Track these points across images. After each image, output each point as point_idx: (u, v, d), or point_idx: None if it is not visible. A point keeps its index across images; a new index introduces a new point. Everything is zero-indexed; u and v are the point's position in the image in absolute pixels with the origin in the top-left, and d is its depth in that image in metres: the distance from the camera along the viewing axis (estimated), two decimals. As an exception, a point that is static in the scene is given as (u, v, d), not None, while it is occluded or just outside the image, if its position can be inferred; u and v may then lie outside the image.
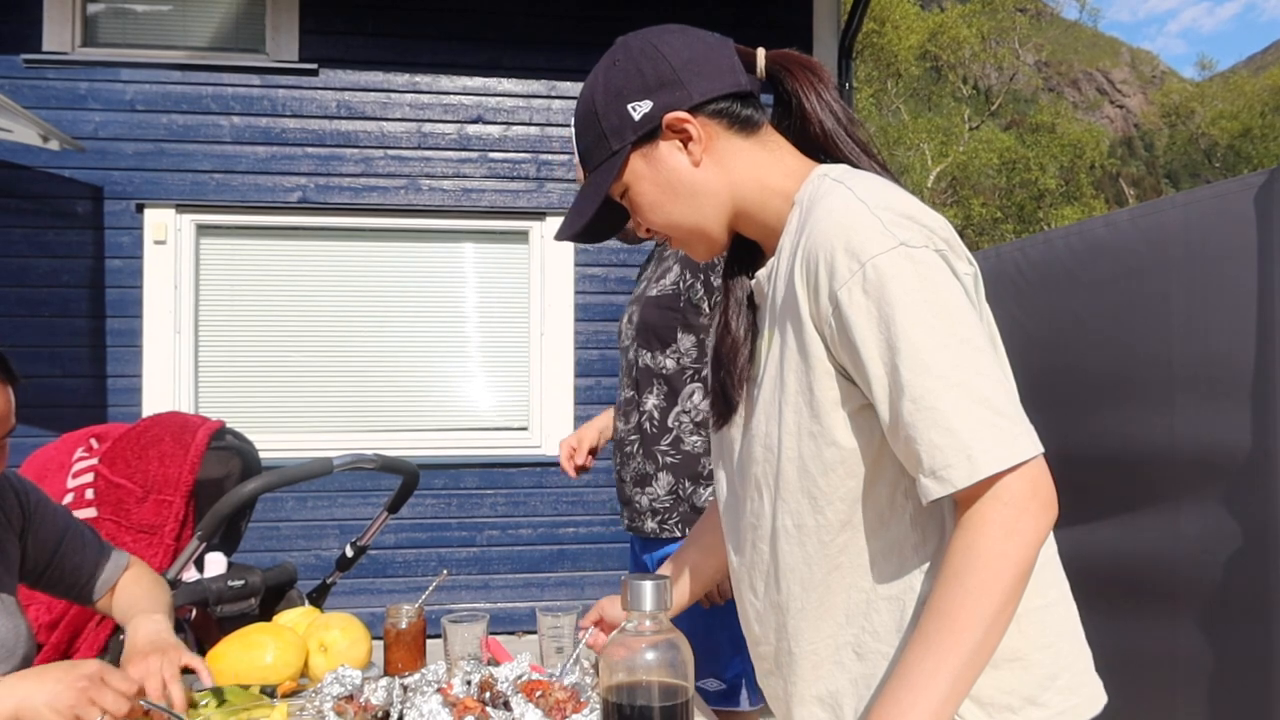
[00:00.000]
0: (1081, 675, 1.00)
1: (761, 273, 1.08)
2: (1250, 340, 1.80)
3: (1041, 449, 0.87)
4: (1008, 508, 0.85)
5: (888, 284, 0.88)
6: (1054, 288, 2.35)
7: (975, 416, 0.85)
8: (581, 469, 2.23)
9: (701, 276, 2.01)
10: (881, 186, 0.96)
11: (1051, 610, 0.99)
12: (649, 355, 2.06)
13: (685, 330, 2.01)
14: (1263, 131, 36.36)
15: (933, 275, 0.89)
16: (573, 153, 5.02)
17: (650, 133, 1.04)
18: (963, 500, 0.87)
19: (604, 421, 2.29)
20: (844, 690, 1.02)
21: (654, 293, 2.06)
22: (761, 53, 1.09)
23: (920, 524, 0.97)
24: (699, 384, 2.03)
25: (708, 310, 2.00)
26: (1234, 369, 1.83)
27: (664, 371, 2.04)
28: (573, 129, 1.12)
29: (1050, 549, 1.03)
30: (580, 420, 4.95)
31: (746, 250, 1.13)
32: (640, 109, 1.03)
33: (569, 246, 5.00)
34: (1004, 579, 0.84)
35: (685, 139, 1.04)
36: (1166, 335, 1.99)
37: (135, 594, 1.58)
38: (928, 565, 0.97)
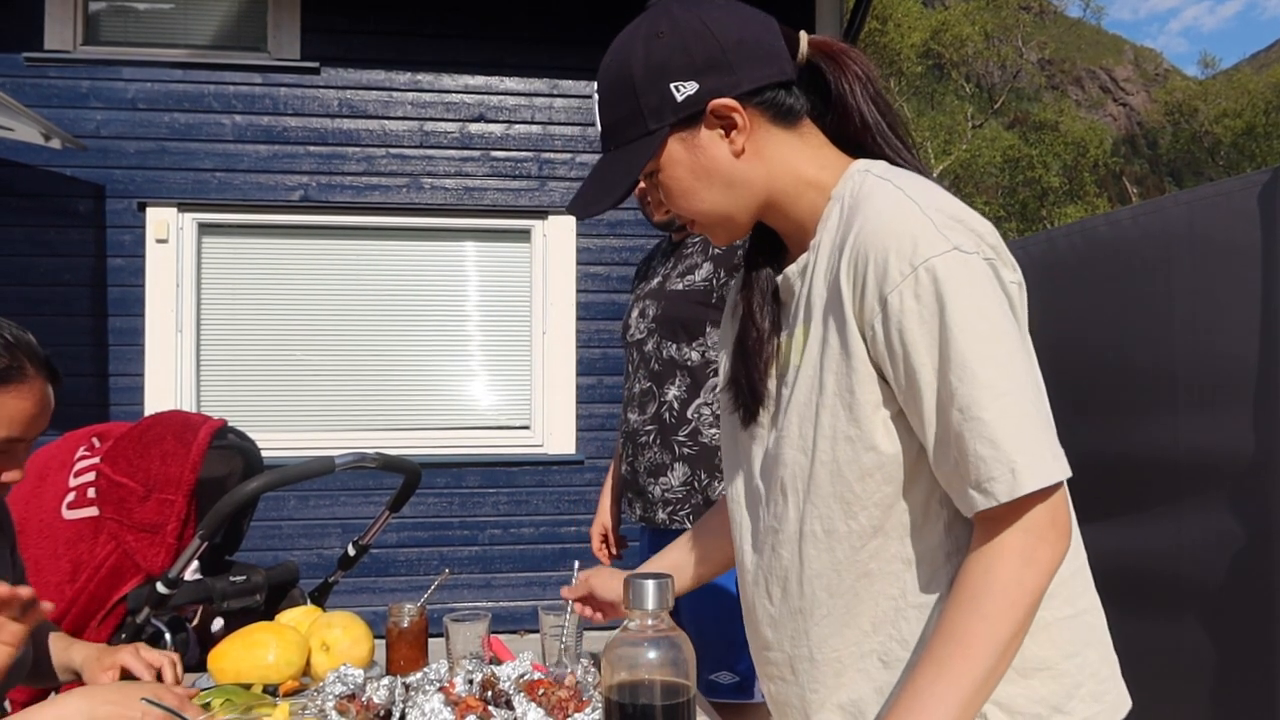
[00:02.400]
0: (1106, 682, 0.99)
1: (792, 269, 1.04)
2: (1254, 338, 1.79)
3: (1068, 472, 0.86)
4: (1028, 535, 0.84)
5: (942, 288, 0.86)
6: (1057, 286, 2.35)
7: (1021, 430, 0.84)
8: (615, 557, 2.36)
9: (736, 275, 2.04)
10: (929, 187, 0.94)
11: (1081, 619, 0.98)
12: (674, 347, 2.09)
13: (714, 325, 2.06)
14: (1266, 129, 36.29)
15: (983, 283, 0.88)
16: (574, 150, 5.00)
17: (692, 116, 0.98)
18: (987, 519, 0.87)
19: (617, 487, 2.37)
20: (868, 699, 1.00)
21: (680, 286, 2.10)
22: (805, 38, 1.03)
23: (954, 532, 0.96)
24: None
25: None
26: (1237, 367, 1.82)
27: (689, 363, 2.08)
28: (598, 93, 1.04)
29: (1080, 557, 1.01)
30: (582, 419, 4.95)
31: (769, 241, 1.10)
32: (685, 90, 0.97)
33: (571, 246, 5.00)
34: (1020, 607, 0.84)
35: (730, 127, 0.99)
36: (1170, 334, 1.99)
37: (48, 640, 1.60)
38: (945, 579, 0.96)
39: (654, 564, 1.39)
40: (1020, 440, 0.84)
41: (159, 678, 1.45)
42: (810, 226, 1.03)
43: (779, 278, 1.06)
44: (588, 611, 1.44)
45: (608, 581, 1.41)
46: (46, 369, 1.34)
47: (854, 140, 1.04)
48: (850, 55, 1.02)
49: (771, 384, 1.06)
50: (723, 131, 0.99)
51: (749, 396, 1.07)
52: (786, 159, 1.02)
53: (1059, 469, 0.85)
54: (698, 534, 1.38)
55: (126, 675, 1.46)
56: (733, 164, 1.01)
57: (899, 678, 0.97)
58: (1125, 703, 1.01)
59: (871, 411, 0.94)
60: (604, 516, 2.38)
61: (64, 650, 1.56)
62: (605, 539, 2.36)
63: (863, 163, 1.01)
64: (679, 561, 1.37)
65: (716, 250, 2.10)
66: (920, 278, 0.87)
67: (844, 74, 1.01)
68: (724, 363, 1.18)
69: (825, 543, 1.00)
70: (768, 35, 1.00)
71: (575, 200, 1.05)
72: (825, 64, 1.03)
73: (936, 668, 0.85)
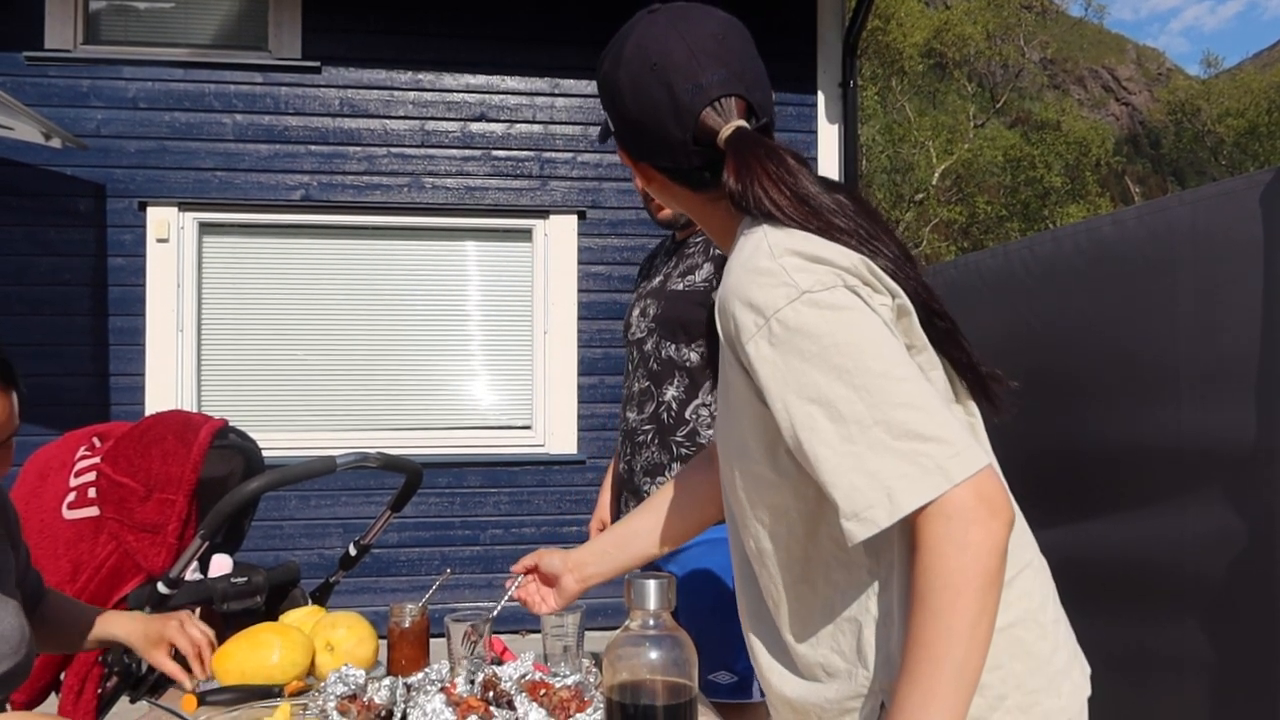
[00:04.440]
0: (1035, 694, 0.97)
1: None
2: (1256, 337, 1.79)
3: (984, 460, 0.84)
4: (953, 521, 0.82)
5: (793, 336, 0.88)
6: (1061, 285, 2.35)
7: (897, 452, 0.83)
8: None
9: None
10: (793, 232, 0.94)
11: (1008, 633, 0.97)
12: (673, 347, 2.09)
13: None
14: (1269, 129, 36.23)
15: (840, 315, 0.88)
16: (575, 150, 4.99)
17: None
18: (912, 524, 0.86)
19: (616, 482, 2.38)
20: (815, 704, 1.02)
21: (680, 287, 2.09)
22: (725, 131, 1.00)
23: (873, 548, 0.96)
24: None
25: None
26: (1240, 366, 1.82)
27: (688, 364, 2.07)
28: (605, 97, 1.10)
29: (1019, 565, 1.00)
30: (584, 419, 4.95)
31: None
32: (611, 127, 1.08)
33: (572, 245, 4.99)
34: (966, 593, 0.82)
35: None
36: (1173, 333, 1.99)
37: (71, 605, 1.62)
38: (877, 586, 0.96)
39: (634, 518, 1.39)
40: (897, 460, 0.83)
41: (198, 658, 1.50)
42: (729, 251, 1.08)
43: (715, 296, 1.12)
44: (531, 591, 1.42)
45: (549, 557, 1.41)
46: (4, 377, 1.29)
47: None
48: (758, 168, 0.97)
49: None
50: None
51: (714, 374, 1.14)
52: (693, 209, 1.10)
53: (958, 466, 0.83)
54: (657, 506, 1.38)
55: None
56: (648, 186, 1.11)
57: (842, 690, 0.99)
58: (1063, 711, 0.99)
59: (770, 446, 0.97)
60: (603, 511, 2.37)
61: (102, 622, 1.58)
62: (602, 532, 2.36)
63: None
64: (652, 524, 1.38)
65: (718, 251, 2.09)
66: (773, 328, 0.89)
67: (750, 182, 0.97)
68: None
69: (760, 560, 1.05)
70: (675, 125, 1.01)
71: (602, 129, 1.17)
72: (729, 162, 0.99)
73: (909, 678, 0.84)
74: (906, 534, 0.87)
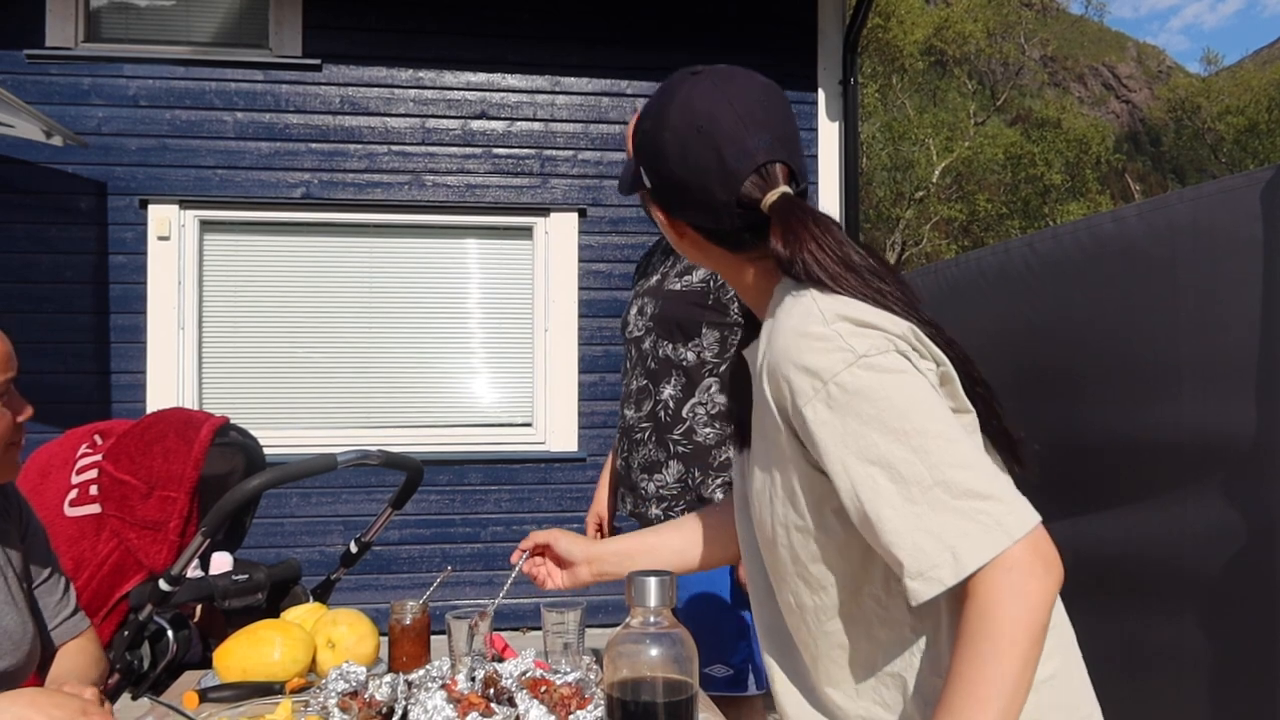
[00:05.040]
0: None
1: (748, 351, 1.12)
2: (1256, 334, 1.79)
3: (1037, 517, 0.87)
4: (1012, 573, 0.85)
5: (851, 400, 0.90)
6: (1062, 282, 2.34)
7: (958, 511, 0.86)
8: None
9: None
10: (840, 298, 0.96)
11: (1043, 687, 0.98)
12: (669, 346, 2.11)
13: (710, 326, 2.07)
14: (1269, 126, 36.15)
15: (895, 379, 0.91)
16: (576, 148, 5.00)
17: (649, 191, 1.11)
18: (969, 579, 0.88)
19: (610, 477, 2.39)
20: None
21: (677, 286, 2.11)
22: (771, 197, 1.01)
23: (917, 607, 0.97)
24: (717, 378, 2.09)
25: (735, 310, 2.06)
26: (1240, 363, 1.82)
27: (684, 363, 2.09)
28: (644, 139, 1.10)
29: (1055, 618, 1.02)
30: (584, 416, 4.95)
31: (757, 322, 1.16)
32: (647, 179, 1.09)
33: (573, 243, 4.99)
34: (1019, 642, 0.84)
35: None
36: (1173, 329, 1.99)
37: (75, 665, 1.57)
38: (923, 642, 0.99)
39: (665, 533, 1.41)
40: (959, 519, 0.86)
41: None
42: (760, 312, 1.11)
43: (744, 353, 1.14)
44: (541, 569, 1.43)
45: (570, 542, 1.41)
46: None
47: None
48: (805, 235, 0.99)
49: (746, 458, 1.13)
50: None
51: (737, 426, 1.16)
52: (721, 266, 1.12)
53: (1015, 523, 0.85)
54: (686, 528, 1.40)
55: None
56: (679, 243, 1.13)
57: None
58: None
59: (813, 506, 0.99)
60: (600, 506, 2.40)
61: (66, 674, 1.51)
62: (600, 528, 2.37)
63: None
64: (661, 543, 1.40)
65: None
66: (831, 391, 0.91)
67: (799, 248, 0.99)
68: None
69: (799, 615, 1.07)
70: (720, 188, 1.02)
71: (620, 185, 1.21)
72: (775, 227, 1.01)
73: (949, 716, 0.85)
74: (952, 588, 0.89)
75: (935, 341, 0.97)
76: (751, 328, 1.17)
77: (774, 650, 1.15)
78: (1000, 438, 1.03)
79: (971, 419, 1.00)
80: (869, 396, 0.89)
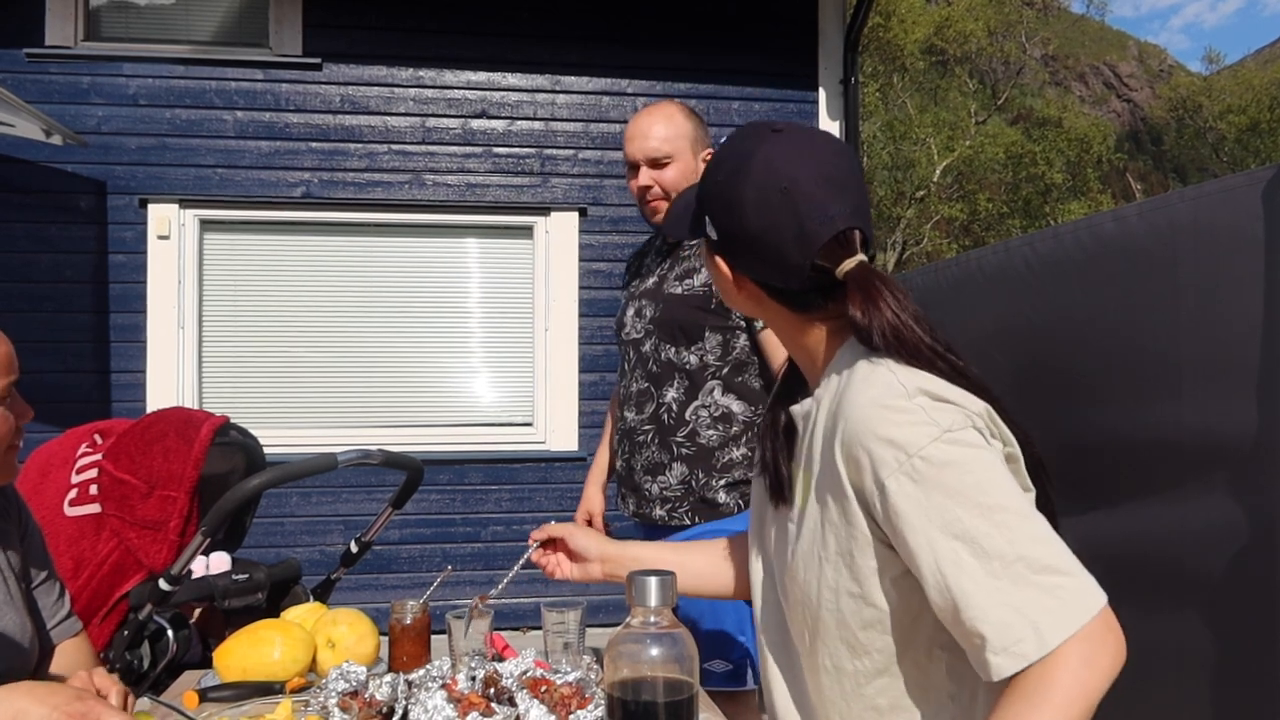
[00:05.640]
0: None
1: (798, 409, 1.12)
2: (1257, 333, 1.79)
3: (1104, 594, 0.89)
4: (1086, 642, 0.86)
5: (937, 473, 0.91)
6: (1063, 282, 2.34)
7: (1039, 586, 0.87)
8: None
9: None
10: (917, 372, 0.99)
11: None
12: (672, 350, 2.11)
13: (713, 330, 2.08)
14: (1270, 125, 36.11)
15: (975, 454, 0.92)
16: (576, 147, 4.98)
17: (711, 241, 1.12)
18: None
19: (601, 477, 2.42)
20: None
21: (679, 290, 2.11)
22: (847, 265, 1.03)
23: (956, 674, 1.00)
24: (719, 381, 2.10)
25: (737, 314, 2.06)
26: (1241, 362, 1.82)
27: (687, 367, 2.10)
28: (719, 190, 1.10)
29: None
30: (585, 416, 4.95)
31: (798, 377, 1.17)
32: (710, 229, 1.09)
33: (573, 242, 4.99)
34: (1079, 704, 0.85)
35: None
36: (1174, 328, 1.98)
37: (71, 666, 1.56)
38: (959, 708, 1.01)
39: (691, 553, 1.42)
40: (1041, 595, 0.87)
41: None
42: (811, 370, 1.12)
43: (791, 409, 1.14)
44: (550, 561, 1.44)
45: (585, 538, 1.42)
46: None
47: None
48: (885, 305, 1.00)
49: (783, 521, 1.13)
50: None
51: (775, 479, 1.15)
52: (778, 323, 1.13)
53: (1090, 601, 0.87)
54: (709, 555, 1.41)
55: None
56: (734, 294, 1.13)
57: None
58: None
59: (871, 574, 0.99)
60: (590, 504, 2.41)
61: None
62: (590, 525, 2.38)
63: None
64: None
65: None
66: (916, 465, 0.92)
67: (876, 318, 1.00)
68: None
69: (835, 676, 1.06)
70: (796, 250, 1.02)
71: (666, 224, 1.24)
72: (854, 295, 1.02)
73: None
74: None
75: (1006, 422, 0.99)
76: (793, 382, 1.18)
77: (798, 707, 1.16)
78: (1050, 519, 1.04)
79: (1033, 496, 1.02)
80: (952, 471, 0.91)
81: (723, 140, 1.14)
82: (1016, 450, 0.99)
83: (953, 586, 0.89)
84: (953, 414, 0.94)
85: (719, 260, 1.11)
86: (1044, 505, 1.01)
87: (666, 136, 2.11)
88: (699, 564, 1.39)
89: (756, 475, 1.22)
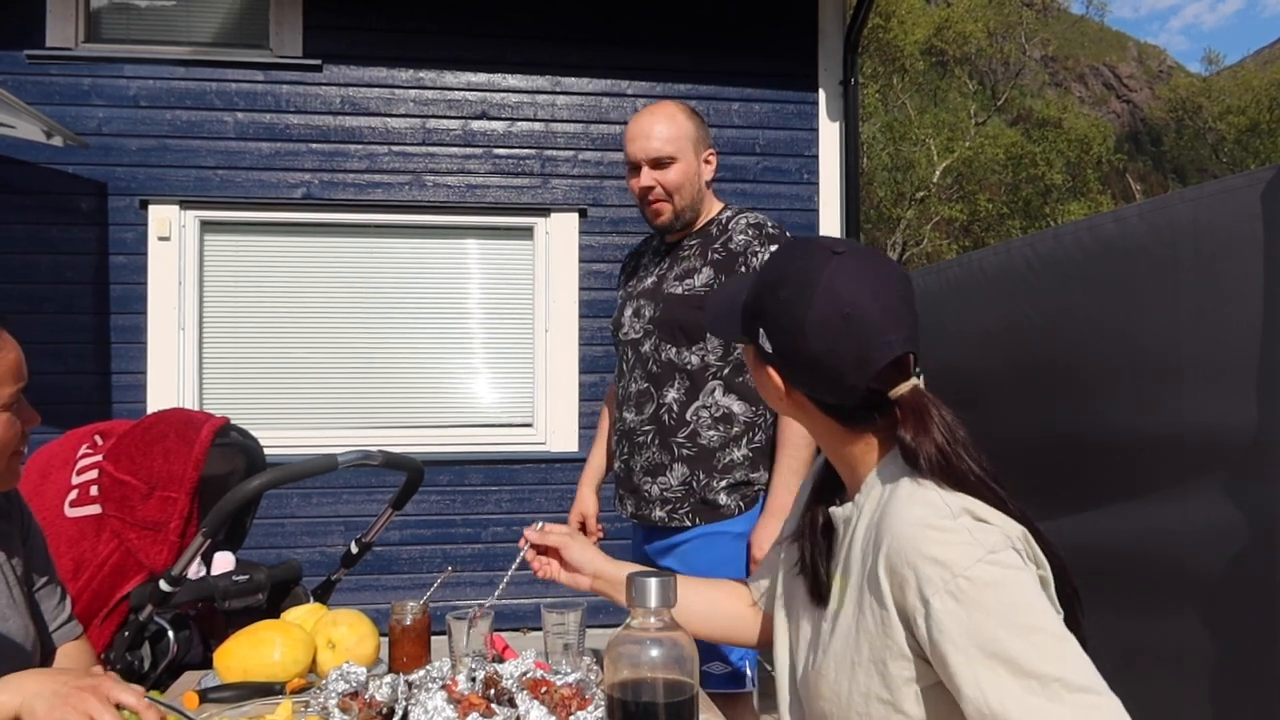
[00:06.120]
0: None
1: (839, 512, 1.16)
2: (1257, 333, 1.79)
3: (1123, 708, 0.93)
4: None
5: (980, 593, 0.94)
6: (1064, 282, 2.34)
7: (1074, 705, 0.90)
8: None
9: None
10: (959, 494, 1.02)
11: None
12: (673, 350, 2.10)
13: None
14: (1270, 126, 36.12)
15: (1015, 575, 0.96)
16: (576, 148, 4.98)
17: (762, 352, 1.15)
18: None
19: (595, 478, 2.41)
20: None
21: (680, 290, 2.10)
22: (904, 388, 1.08)
23: None
24: (720, 381, 2.08)
25: None
26: (1241, 362, 1.82)
27: (688, 367, 2.09)
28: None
29: None
30: (585, 417, 4.95)
31: (834, 477, 1.21)
32: (763, 342, 1.12)
33: (573, 243, 4.99)
34: None
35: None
36: (1174, 329, 1.99)
37: (71, 667, 1.57)
38: None
39: (694, 590, 1.44)
40: (1079, 713, 0.90)
41: None
42: (850, 476, 1.15)
43: (830, 511, 1.17)
44: (538, 561, 1.45)
45: (582, 551, 1.44)
46: None
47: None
48: (935, 430, 1.05)
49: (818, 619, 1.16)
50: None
51: (814, 581, 1.19)
52: (822, 433, 1.16)
53: (1120, 715, 0.91)
54: (712, 595, 1.45)
55: None
56: (781, 401, 1.16)
57: None
58: None
59: (904, 683, 1.02)
60: (583, 505, 2.40)
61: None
62: (583, 525, 2.38)
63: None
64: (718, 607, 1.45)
65: (716, 255, 2.11)
66: (960, 585, 0.95)
67: (920, 434, 1.06)
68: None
69: None
70: (855, 374, 1.06)
71: (706, 318, 1.28)
72: (906, 418, 1.07)
73: None
74: None
75: (1041, 545, 1.03)
76: (829, 484, 1.22)
77: None
78: (1079, 638, 1.07)
79: (1062, 617, 1.04)
80: (994, 591, 0.94)
81: (774, 250, 1.14)
82: (1049, 573, 1.03)
83: (992, 703, 0.92)
84: (995, 535, 0.98)
85: (771, 371, 1.14)
86: (1073, 625, 1.05)
87: (669, 137, 2.09)
88: (700, 605, 1.42)
89: (795, 571, 1.24)
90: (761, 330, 1.12)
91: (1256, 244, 1.80)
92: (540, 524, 1.46)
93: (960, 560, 0.96)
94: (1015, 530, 1.01)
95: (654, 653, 0.97)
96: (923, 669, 1.01)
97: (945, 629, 0.95)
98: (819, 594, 1.17)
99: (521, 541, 1.46)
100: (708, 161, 2.17)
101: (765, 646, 1.39)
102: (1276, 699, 1.74)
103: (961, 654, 0.94)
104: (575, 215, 5.00)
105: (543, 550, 1.46)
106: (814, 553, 1.18)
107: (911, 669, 1.02)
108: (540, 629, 1.55)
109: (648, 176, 2.11)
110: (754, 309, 1.14)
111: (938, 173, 27.20)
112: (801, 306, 1.06)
